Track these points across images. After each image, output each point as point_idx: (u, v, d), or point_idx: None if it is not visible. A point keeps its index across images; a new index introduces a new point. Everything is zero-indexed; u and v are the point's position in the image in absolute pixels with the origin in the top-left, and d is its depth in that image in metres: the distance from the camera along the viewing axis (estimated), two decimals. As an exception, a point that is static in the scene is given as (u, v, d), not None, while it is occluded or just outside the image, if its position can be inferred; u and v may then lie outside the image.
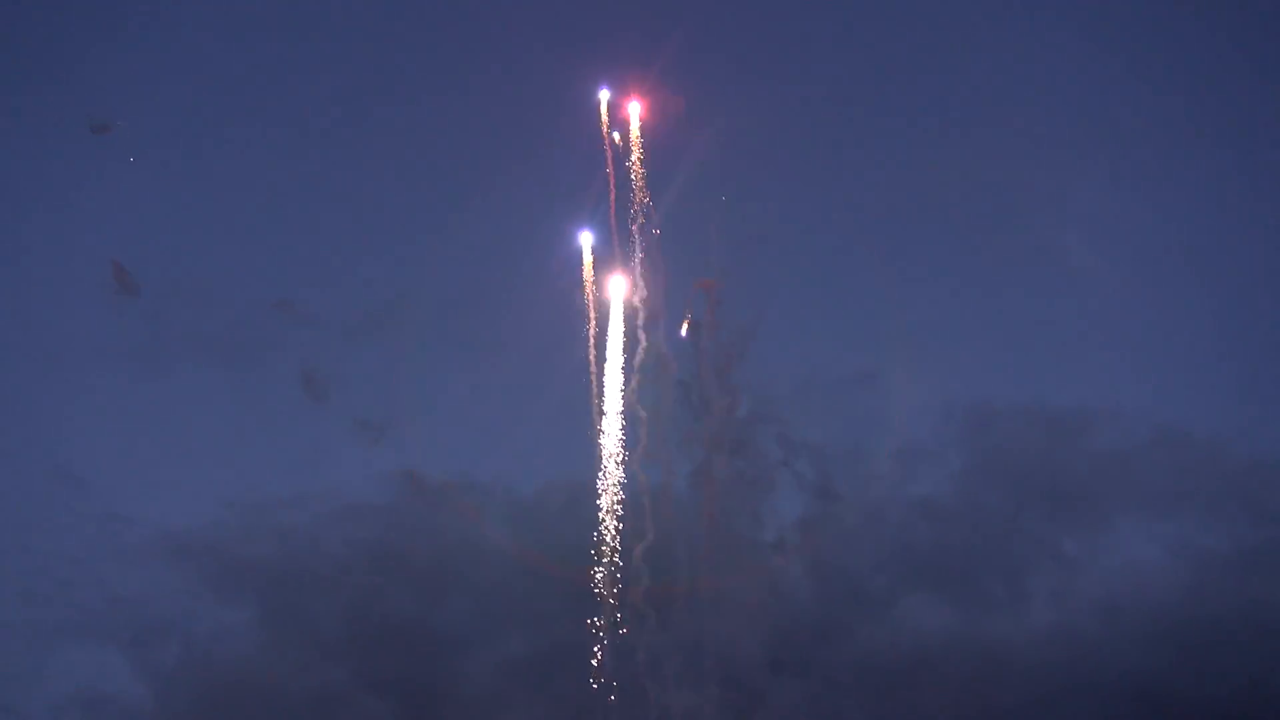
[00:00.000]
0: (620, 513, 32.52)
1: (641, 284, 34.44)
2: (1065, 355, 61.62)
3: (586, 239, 34.96)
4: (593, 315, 34.46)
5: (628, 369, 34.36)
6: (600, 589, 31.60)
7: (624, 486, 33.27)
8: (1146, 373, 60.59)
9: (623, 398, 34.12)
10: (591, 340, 34.08)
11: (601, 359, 33.99)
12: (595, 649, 31.28)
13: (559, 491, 42.81)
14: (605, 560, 31.83)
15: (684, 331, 35.82)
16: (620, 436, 33.44)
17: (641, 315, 34.57)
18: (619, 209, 34.73)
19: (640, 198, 34.83)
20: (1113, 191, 57.14)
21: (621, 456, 33.41)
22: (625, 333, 34.44)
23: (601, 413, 33.54)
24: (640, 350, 34.29)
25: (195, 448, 57.77)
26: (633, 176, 35.03)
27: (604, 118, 35.23)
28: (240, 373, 50.63)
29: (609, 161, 34.77)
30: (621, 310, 34.67)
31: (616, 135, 35.26)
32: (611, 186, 34.62)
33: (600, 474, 32.91)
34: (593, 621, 31.47)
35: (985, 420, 53.83)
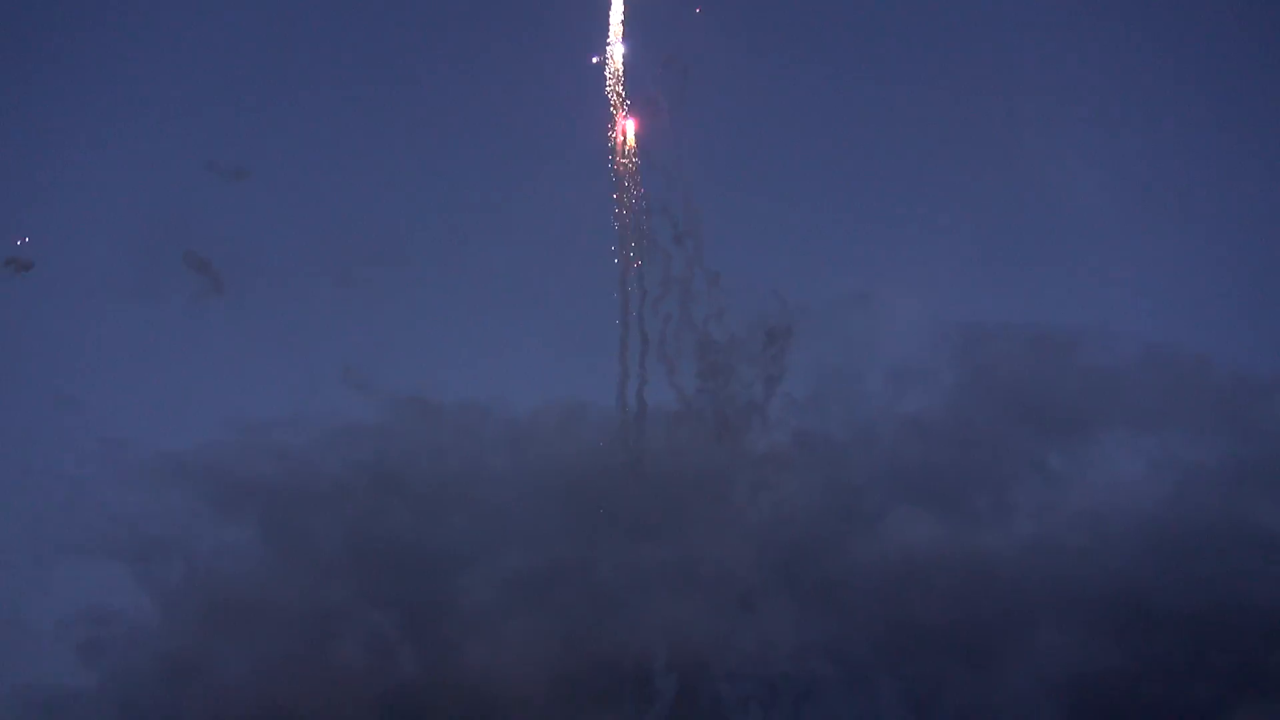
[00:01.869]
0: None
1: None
2: (1057, 275, 61.77)
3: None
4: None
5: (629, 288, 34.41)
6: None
7: (618, 406, 33.60)
8: (1137, 292, 60.83)
9: (621, 319, 34.25)
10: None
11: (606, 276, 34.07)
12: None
13: (557, 412, 42.97)
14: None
15: None
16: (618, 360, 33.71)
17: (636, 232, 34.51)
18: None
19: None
20: (1104, 109, 56.99)
21: (619, 376, 33.65)
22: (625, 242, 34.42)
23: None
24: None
25: (190, 371, 57.69)
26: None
27: None
28: (235, 294, 50.23)
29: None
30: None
31: None
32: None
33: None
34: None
35: (976, 340, 54.13)
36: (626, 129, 36.30)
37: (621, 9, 35.53)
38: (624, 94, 36.09)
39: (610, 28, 35.55)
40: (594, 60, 35.52)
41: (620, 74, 36.02)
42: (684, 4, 37.18)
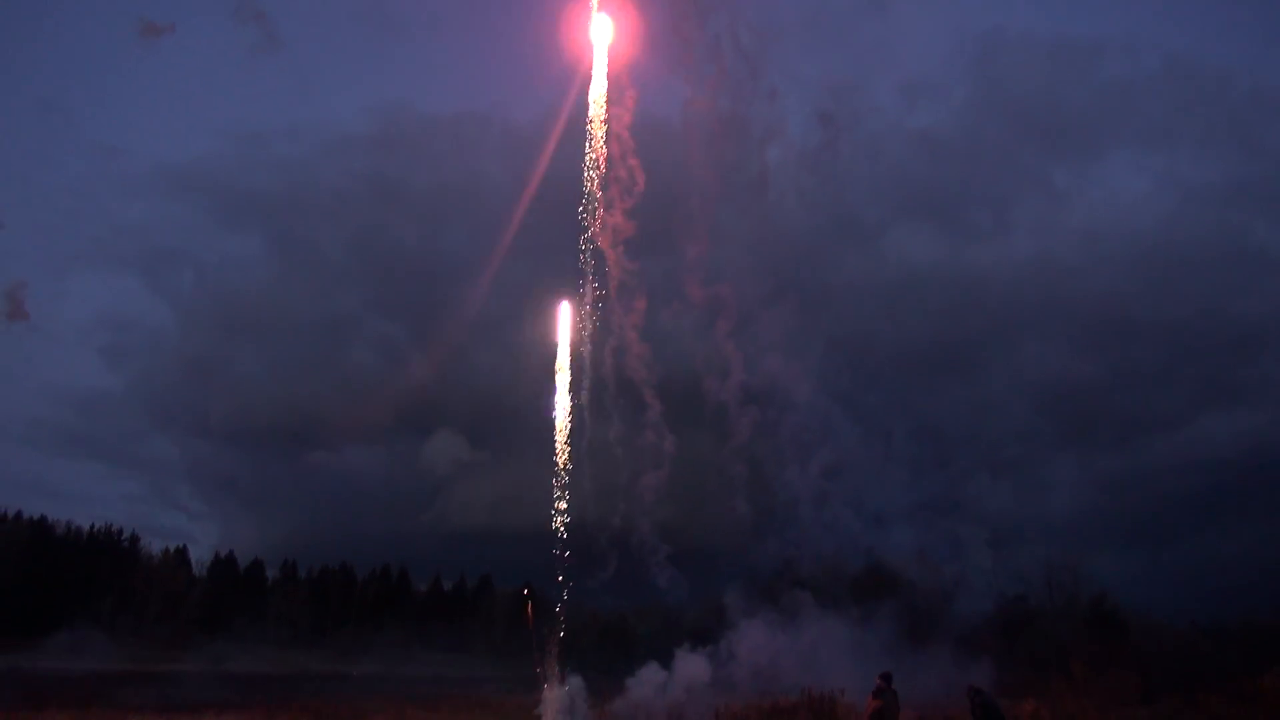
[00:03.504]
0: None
1: None
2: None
3: None
4: None
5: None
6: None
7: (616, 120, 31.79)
8: (1162, 1, 59.53)
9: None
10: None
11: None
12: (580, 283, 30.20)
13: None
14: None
15: None
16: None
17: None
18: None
19: None
20: None
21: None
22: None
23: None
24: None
25: (183, 79, 56.30)
26: None
27: None
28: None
29: None
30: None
31: None
32: None
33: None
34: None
35: (993, 51, 53.15)
36: None
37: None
38: None
39: None
40: None
41: None
42: None
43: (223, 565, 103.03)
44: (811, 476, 33.40)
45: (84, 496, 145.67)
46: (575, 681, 26.12)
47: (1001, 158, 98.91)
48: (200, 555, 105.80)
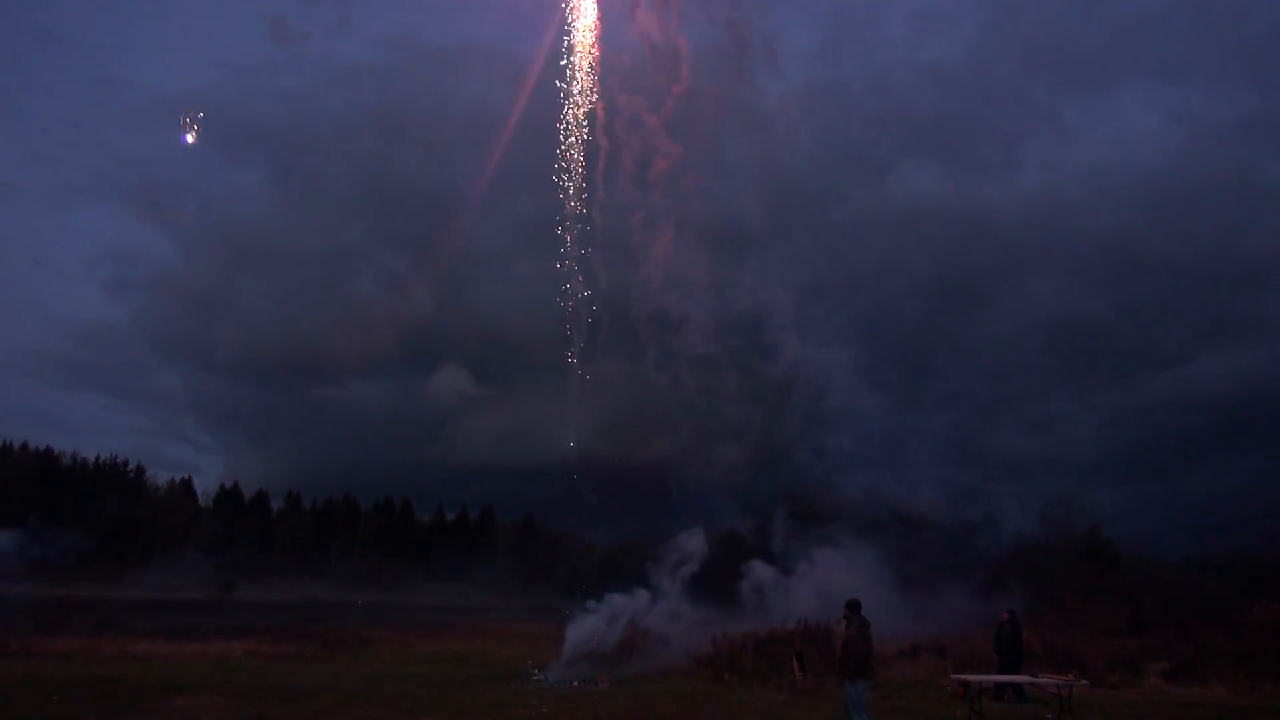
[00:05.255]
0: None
1: None
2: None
3: None
4: None
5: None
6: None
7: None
8: None
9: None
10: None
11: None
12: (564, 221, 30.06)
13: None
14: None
15: None
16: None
17: None
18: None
19: None
20: None
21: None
22: None
23: None
24: None
25: (182, 9, 55.56)
26: None
27: None
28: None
29: None
30: None
31: None
32: None
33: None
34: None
35: None
36: None
37: None
38: None
39: None
40: None
41: None
42: None
43: (228, 496, 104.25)
44: (815, 411, 33.56)
45: (90, 428, 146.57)
46: (589, 606, 26.32)
47: (1011, 92, 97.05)
48: (206, 487, 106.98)
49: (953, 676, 17.05)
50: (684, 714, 14.15)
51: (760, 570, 28.61)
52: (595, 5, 29.91)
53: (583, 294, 29.83)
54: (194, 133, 37.82)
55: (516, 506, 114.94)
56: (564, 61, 29.58)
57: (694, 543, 28.14)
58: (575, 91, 29.76)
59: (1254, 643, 21.81)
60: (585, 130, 29.85)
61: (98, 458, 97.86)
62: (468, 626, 39.85)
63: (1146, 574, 36.56)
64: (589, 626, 25.49)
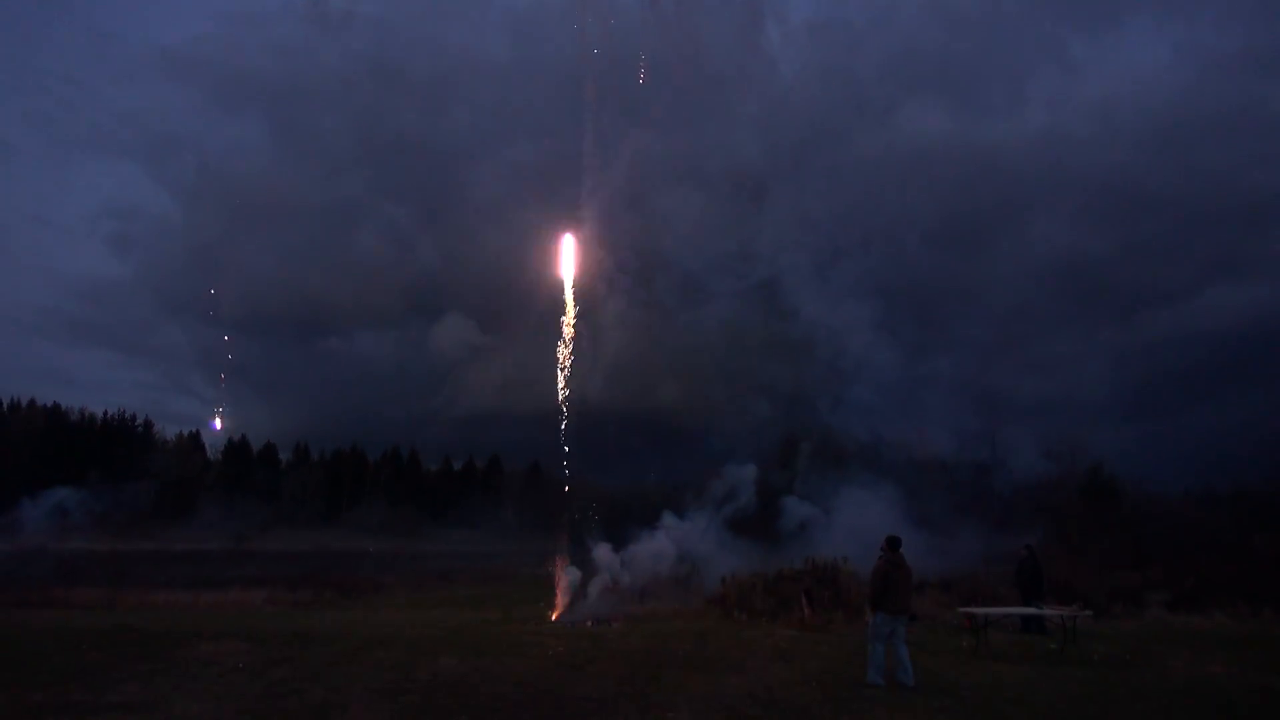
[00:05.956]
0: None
1: None
2: None
3: None
4: None
5: None
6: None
7: None
8: None
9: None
10: None
11: None
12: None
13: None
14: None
15: None
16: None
17: None
18: None
19: None
20: None
21: None
22: None
23: None
24: None
25: None
26: None
27: None
28: None
29: None
30: None
31: None
32: None
33: None
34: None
35: None
36: None
37: None
38: None
39: None
40: None
41: None
42: None
43: (236, 449, 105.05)
44: (823, 353, 33.65)
45: (97, 384, 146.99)
46: (603, 548, 26.63)
47: (1017, 28, 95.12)
48: (214, 440, 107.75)
49: (959, 610, 17.38)
50: (697, 650, 14.48)
51: (796, 506, 28.97)
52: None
53: (594, 241, 29.74)
54: None
55: (523, 454, 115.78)
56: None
57: (745, 474, 28.54)
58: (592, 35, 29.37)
59: (1255, 572, 22.19)
60: (593, 75, 29.53)
61: (105, 413, 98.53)
62: (479, 572, 40.48)
63: (1149, 508, 36.96)
64: (654, 547, 25.84)
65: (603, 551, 26.36)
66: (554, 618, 21.59)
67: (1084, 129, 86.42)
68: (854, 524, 25.69)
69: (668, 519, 27.41)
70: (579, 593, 24.43)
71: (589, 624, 20.19)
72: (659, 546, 26.18)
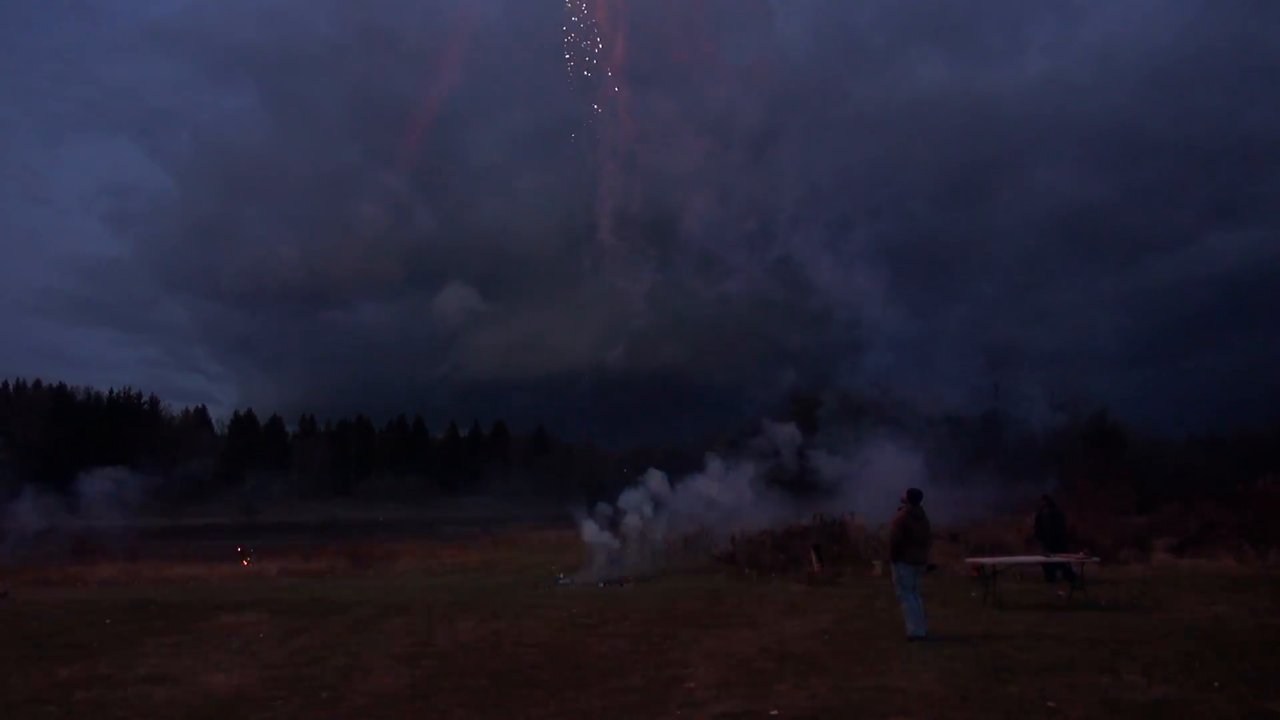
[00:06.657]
0: None
1: None
2: None
3: None
4: None
5: None
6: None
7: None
8: None
9: None
10: None
11: None
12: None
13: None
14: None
15: None
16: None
17: None
18: None
19: None
20: None
21: None
22: None
23: None
24: None
25: None
26: None
27: None
28: None
29: None
30: None
31: None
32: None
33: None
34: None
35: None
36: None
37: None
38: None
39: None
40: None
41: None
42: None
43: (243, 423, 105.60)
44: (824, 307, 33.64)
45: (101, 363, 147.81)
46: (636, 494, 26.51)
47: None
48: (220, 415, 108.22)
49: (967, 560, 17.57)
50: (709, 607, 14.69)
51: (827, 461, 29.09)
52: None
53: (596, 201, 29.52)
54: None
55: (527, 419, 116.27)
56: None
57: (788, 431, 28.65)
58: None
59: (1259, 515, 22.35)
60: (593, 34, 29.11)
61: (111, 391, 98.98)
62: (489, 537, 40.85)
63: (1154, 454, 37.12)
64: (696, 488, 25.93)
65: (634, 497, 26.03)
66: (567, 580, 21.82)
67: (1084, 74, 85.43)
68: (878, 479, 25.82)
69: (713, 463, 27.44)
70: (607, 551, 24.35)
71: (601, 585, 20.42)
72: (704, 487, 26.28)
